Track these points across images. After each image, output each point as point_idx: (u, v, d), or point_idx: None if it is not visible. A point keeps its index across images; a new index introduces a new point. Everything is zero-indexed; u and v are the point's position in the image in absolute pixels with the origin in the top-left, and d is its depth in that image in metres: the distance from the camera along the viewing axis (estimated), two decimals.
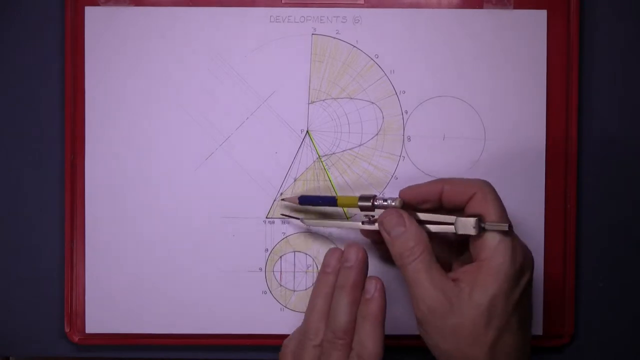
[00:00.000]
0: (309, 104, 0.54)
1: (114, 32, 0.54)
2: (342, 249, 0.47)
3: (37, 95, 0.55)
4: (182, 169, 0.54)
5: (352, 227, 0.51)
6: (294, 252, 0.54)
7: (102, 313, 0.54)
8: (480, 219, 0.44)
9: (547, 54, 0.54)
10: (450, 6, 0.54)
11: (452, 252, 0.49)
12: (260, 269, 0.54)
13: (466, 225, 0.44)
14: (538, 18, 0.54)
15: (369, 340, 0.45)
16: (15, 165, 0.55)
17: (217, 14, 0.54)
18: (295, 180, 0.54)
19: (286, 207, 0.54)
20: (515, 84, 0.54)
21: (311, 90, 0.54)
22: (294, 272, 0.54)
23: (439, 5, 0.54)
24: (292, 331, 0.54)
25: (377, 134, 0.54)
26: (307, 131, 0.54)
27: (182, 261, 0.54)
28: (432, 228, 0.47)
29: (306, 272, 0.54)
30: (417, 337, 0.53)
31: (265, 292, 0.54)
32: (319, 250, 0.54)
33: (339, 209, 0.54)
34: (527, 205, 0.54)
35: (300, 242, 0.54)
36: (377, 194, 0.50)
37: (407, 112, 0.54)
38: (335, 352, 0.46)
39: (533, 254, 0.46)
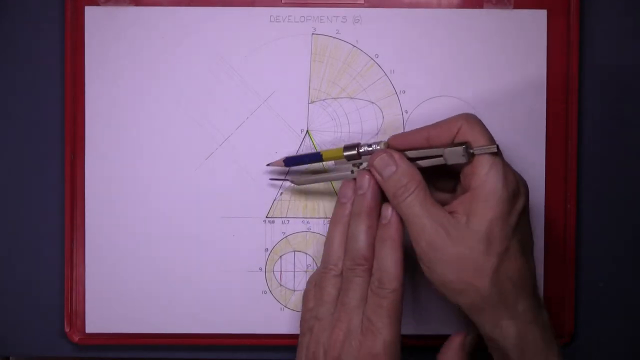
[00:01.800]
0: (309, 103, 0.54)
1: (114, 32, 0.54)
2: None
3: (37, 95, 0.55)
4: (182, 169, 0.54)
5: (341, 178, 0.50)
6: (294, 251, 0.54)
7: (102, 313, 0.54)
8: (467, 146, 0.45)
9: (547, 54, 0.54)
10: (450, 6, 0.54)
11: (447, 191, 0.49)
12: (260, 269, 0.54)
13: (455, 154, 0.45)
14: (538, 18, 0.54)
15: (388, 263, 0.45)
16: (15, 165, 0.55)
17: (217, 14, 0.54)
18: None
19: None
20: (515, 84, 0.54)
21: (311, 90, 0.54)
22: (294, 271, 0.54)
23: (439, 5, 0.54)
24: (292, 331, 0.54)
25: (377, 134, 0.54)
26: (307, 131, 0.54)
27: (182, 261, 0.54)
28: (423, 164, 0.47)
29: (306, 271, 0.54)
30: (419, 337, 0.54)
31: (265, 292, 0.54)
32: (319, 250, 0.54)
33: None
34: None
35: (300, 241, 0.54)
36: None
37: (407, 112, 0.54)
38: (356, 278, 0.46)
39: (533, 254, 0.46)
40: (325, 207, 0.54)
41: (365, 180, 0.47)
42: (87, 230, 0.54)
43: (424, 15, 0.54)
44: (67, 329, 0.54)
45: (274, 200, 0.54)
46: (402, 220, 0.46)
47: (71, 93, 0.54)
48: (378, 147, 0.48)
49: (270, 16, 0.54)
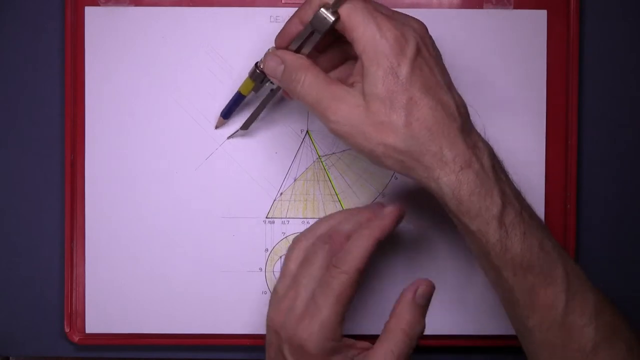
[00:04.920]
0: None
1: (114, 32, 0.53)
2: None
3: (37, 95, 0.55)
4: (182, 169, 0.54)
5: (271, 98, 0.51)
6: None
7: (102, 313, 0.54)
8: (326, 5, 0.44)
9: (547, 54, 0.54)
10: (450, 6, 0.54)
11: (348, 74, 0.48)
12: (260, 269, 0.54)
13: (320, 19, 0.44)
14: (538, 18, 0.54)
15: (353, 246, 0.44)
16: (15, 165, 0.55)
17: (217, 14, 0.54)
18: (295, 180, 0.54)
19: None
20: (515, 84, 0.54)
21: None
22: None
23: (439, 5, 0.54)
24: None
25: None
26: (307, 131, 0.54)
27: (182, 261, 0.54)
28: (305, 50, 0.46)
29: None
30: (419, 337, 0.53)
31: (265, 292, 0.54)
32: None
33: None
34: None
35: None
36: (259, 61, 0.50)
37: None
38: (313, 255, 0.45)
39: (452, 91, 0.45)
40: (325, 207, 0.54)
41: (391, 206, 0.47)
42: (87, 230, 0.54)
43: (424, 15, 0.53)
44: (67, 329, 0.54)
45: (274, 200, 0.54)
46: (394, 223, 0.45)
47: (71, 93, 0.54)
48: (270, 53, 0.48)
49: (270, 16, 0.54)
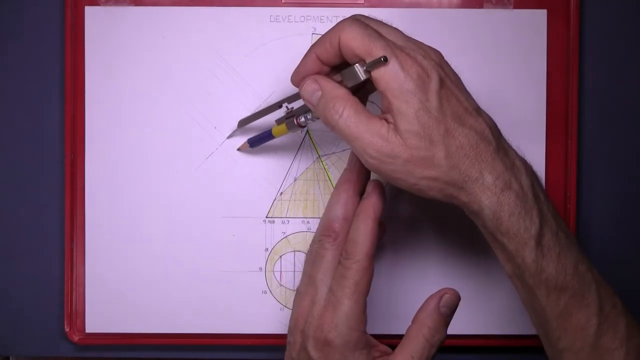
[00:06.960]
0: None
1: (114, 32, 0.54)
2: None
3: (37, 95, 0.55)
4: (182, 168, 0.54)
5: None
6: (294, 251, 0.54)
7: (102, 313, 0.54)
8: (361, 62, 0.43)
9: (547, 54, 0.54)
10: (450, 6, 0.54)
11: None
12: (260, 269, 0.54)
13: (353, 73, 0.43)
14: (538, 18, 0.54)
15: (357, 234, 0.44)
16: (15, 165, 0.55)
17: (217, 14, 0.54)
18: (295, 180, 0.54)
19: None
20: (515, 84, 0.54)
21: None
22: (294, 271, 0.54)
23: (439, 5, 0.54)
24: None
25: None
26: (307, 131, 0.54)
27: (182, 261, 0.54)
28: (336, 78, 0.45)
29: None
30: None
31: (265, 292, 0.54)
32: None
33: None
34: None
35: (300, 241, 0.54)
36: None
37: None
38: (322, 250, 0.45)
39: (480, 112, 0.45)
40: (325, 207, 0.54)
41: (350, 155, 0.47)
42: (87, 230, 0.54)
43: (424, 15, 0.54)
44: (67, 329, 0.54)
45: (274, 200, 0.54)
46: (381, 196, 0.45)
47: (71, 93, 0.54)
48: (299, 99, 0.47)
49: (270, 16, 0.54)
